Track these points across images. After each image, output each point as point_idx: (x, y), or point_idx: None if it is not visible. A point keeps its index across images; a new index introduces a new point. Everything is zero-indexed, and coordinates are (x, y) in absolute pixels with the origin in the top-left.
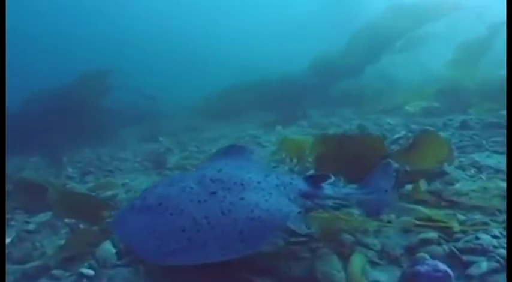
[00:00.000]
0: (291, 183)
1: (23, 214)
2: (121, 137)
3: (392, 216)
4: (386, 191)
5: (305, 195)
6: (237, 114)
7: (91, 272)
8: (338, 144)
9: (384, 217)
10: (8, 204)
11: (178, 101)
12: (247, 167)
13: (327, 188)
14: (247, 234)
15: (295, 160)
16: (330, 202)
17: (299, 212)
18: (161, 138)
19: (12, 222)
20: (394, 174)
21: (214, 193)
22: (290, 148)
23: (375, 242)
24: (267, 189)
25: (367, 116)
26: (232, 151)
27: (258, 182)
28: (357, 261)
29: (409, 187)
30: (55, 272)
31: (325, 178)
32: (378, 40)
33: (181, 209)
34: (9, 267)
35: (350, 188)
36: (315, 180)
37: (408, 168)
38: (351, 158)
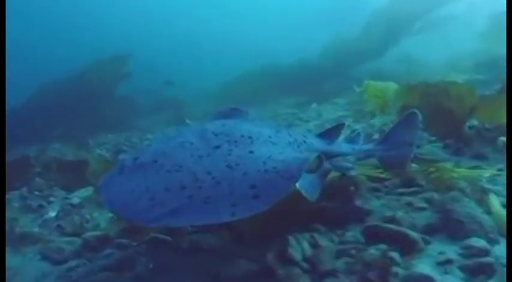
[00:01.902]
0: (304, 141)
1: (59, 191)
2: (146, 123)
3: (501, 165)
4: (410, 145)
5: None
6: (262, 99)
7: (168, 238)
8: (423, 95)
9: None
10: (42, 183)
11: (197, 89)
12: (253, 123)
13: (345, 147)
14: (261, 188)
15: (378, 111)
16: (347, 163)
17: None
18: (188, 121)
19: (51, 198)
20: (420, 125)
21: (218, 147)
22: (374, 93)
23: (498, 188)
24: (279, 144)
25: None
26: (233, 113)
27: (269, 136)
28: (496, 202)
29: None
30: (120, 241)
31: (339, 130)
32: (397, 22)
33: (180, 165)
34: (63, 239)
35: (371, 145)
36: (330, 135)
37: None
38: (438, 110)
